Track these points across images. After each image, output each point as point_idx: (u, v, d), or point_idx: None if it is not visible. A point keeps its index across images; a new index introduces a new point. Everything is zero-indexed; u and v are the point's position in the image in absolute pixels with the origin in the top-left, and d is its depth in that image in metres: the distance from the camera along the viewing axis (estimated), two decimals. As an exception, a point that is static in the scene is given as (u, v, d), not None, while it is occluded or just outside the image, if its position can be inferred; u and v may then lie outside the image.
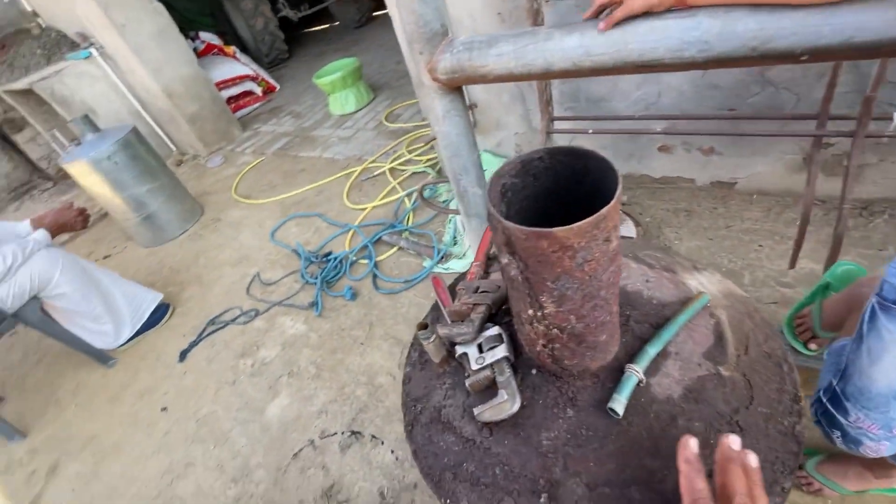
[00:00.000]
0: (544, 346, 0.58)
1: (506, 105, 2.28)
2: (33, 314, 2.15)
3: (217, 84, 4.78)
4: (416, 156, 3.20)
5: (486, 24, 2.01)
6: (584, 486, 0.54)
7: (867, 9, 0.63)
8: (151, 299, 2.56)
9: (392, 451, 1.61)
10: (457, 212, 2.26)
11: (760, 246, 1.78)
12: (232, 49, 5.48)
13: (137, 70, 4.01)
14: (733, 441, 0.44)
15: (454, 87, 1.15)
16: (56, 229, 2.31)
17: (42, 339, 2.77)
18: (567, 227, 0.42)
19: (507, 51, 0.98)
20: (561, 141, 2.14)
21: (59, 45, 4.16)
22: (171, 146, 4.75)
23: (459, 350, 0.69)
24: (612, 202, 0.43)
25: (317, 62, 6.23)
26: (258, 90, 5.38)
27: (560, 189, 0.54)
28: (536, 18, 1.65)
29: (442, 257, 2.28)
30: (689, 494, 0.42)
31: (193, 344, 2.37)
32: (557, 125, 2.02)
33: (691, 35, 0.79)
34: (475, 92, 2.36)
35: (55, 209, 2.37)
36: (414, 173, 3.07)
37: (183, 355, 2.33)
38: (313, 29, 8.20)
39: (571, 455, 0.57)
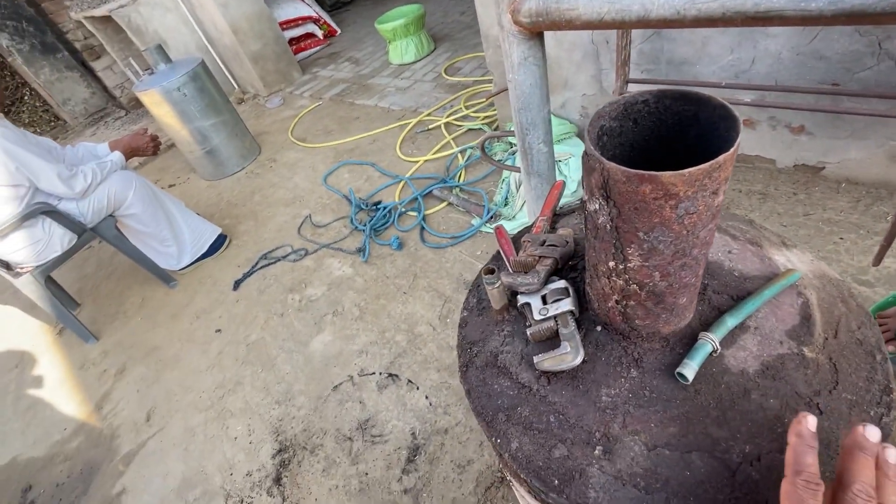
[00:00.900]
0: (617, 302, 0.56)
1: (577, 63, 2.15)
2: (109, 230, 2.32)
3: (280, 24, 4.78)
4: (473, 112, 3.12)
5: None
6: (643, 444, 0.54)
7: None
8: (211, 232, 2.71)
9: (426, 397, 1.67)
10: (517, 169, 2.20)
11: (841, 238, 1.63)
12: (296, -12, 5.43)
13: (207, 3, 4.06)
14: (871, 431, 0.38)
15: (536, 32, 1.09)
16: (130, 153, 2.45)
17: (114, 256, 3.01)
18: (677, 171, 0.39)
19: (602, -7, 0.91)
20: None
21: (136, -27, 4.26)
22: (234, 84, 4.86)
23: (522, 300, 0.69)
24: (732, 150, 0.40)
25: (379, 8, 6.08)
26: (319, 33, 5.34)
27: (661, 137, 0.50)
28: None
29: (491, 216, 2.26)
30: (794, 465, 0.38)
31: (247, 275, 2.51)
32: (632, 89, 1.90)
33: (825, -19, 0.69)
34: (545, 47, 2.23)
35: (130, 134, 2.50)
36: (469, 130, 3.00)
37: (237, 284, 2.47)
38: (377, -28, 7.96)
39: (632, 414, 0.56)
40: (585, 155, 0.47)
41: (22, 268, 2.18)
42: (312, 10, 5.27)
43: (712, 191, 0.42)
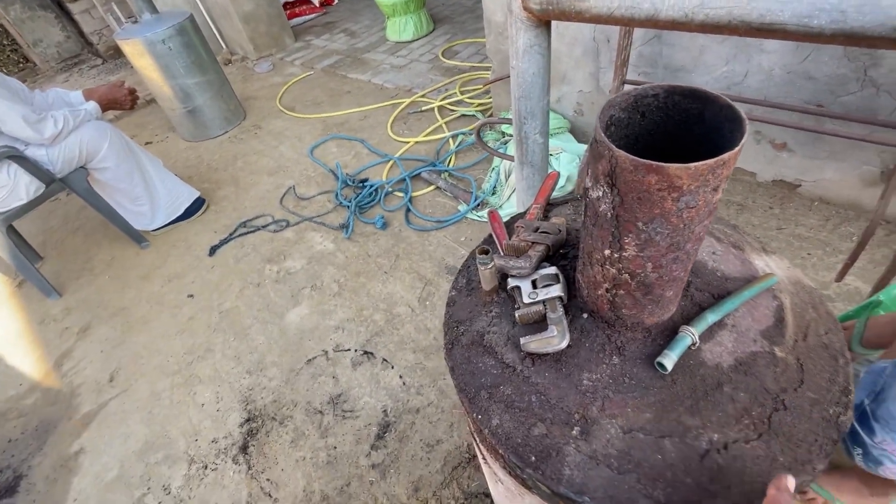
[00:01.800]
0: (607, 290, 0.58)
1: (577, 59, 2.16)
2: (80, 183, 2.22)
3: (275, -15, 4.60)
4: (468, 98, 3.09)
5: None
6: (619, 427, 0.56)
7: None
8: (189, 194, 2.62)
9: (401, 377, 1.68)
10: (510, 157, 2.21)
11: (809, 254, 1.71)
12: (295, -50, 5.22)
13: (199, -45, 3.87)
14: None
15: (544, 20, 1.08)
16: (106, 104, 2.34)
17: (83, 210, 2.89)
18: (684, 164, 0.41)
19: (614, -13, 0.91)
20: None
21: (124, -87, 4.01)
22: (222, 44, 4.67)
23: (512, 283, 0.70)
24: (737, 148, 0.41)
25: (379, -19, 5.92)
26: (316, 0, 5.17)
27: (667, 133, 0.52)
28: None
29: (479, 204, 2.26)
30: None
31: (224, 241, 2.45)
32: (628, 89, 1.92)
33: (827, 2, 0.71)
34: (547, 39, 2.23)
35: (107, 84, 2.38)
36: (463, 115, 2.98)
37: (213, 250, 2.41)
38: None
39: (611, 398, 0.58)
40: (594, 142, 0.47)
41: (-18, 213, 2.07)
42: (310, -24, 5.09)
43: (713, 187, 0.44)
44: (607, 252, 0.53)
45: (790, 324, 0.62)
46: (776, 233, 1.81)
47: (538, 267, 0.70)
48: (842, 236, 1.75)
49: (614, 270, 0.54)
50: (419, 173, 2.54)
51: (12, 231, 2.30)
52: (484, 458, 0.77)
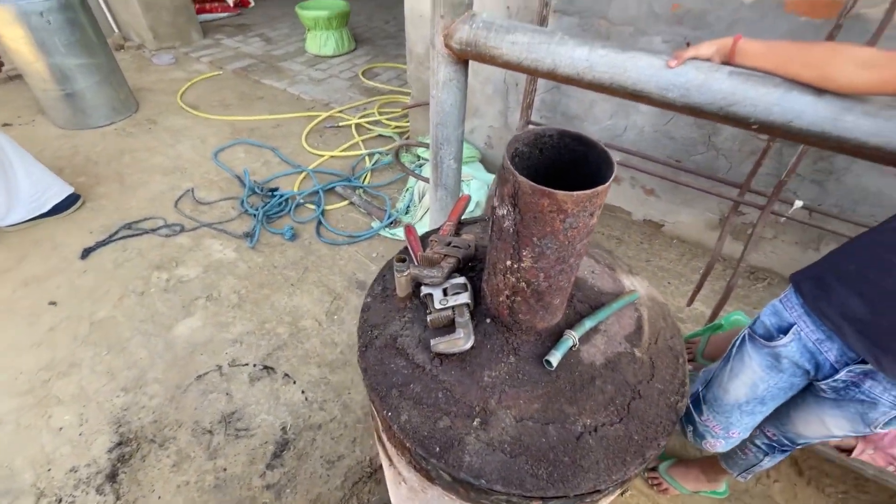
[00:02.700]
0: (508, 297, 0.67)
1: (488, 97, 2.36)
2: None
3: (185, -24, 4.31)
4: (386, 119, 3.17)
5: (492, 11, 2.06)
6: (513, 417, 0.64)
7: (814, 100, 0.80)
8: (59, 190, 2.29)
9: (303, 392, 1.63)
10: (426, 179, 2.30)
11: (669, 283, 2.04)
12: (210, -56, 4.96)
13: (95, -72, 3.50)
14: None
15: (462, 59, 1.20)
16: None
17: None
18: (568, 192, 0.51)
19: (523, 42, 1.06)
20: (530, 145, 2.27)
21: None
22: (114, 27, 4.21)
23: (425, 290, 0.76)
24: (607, 184, 0.52)
25: (301, -8, 5.84)
26: (230, 0, 4.93)
27: (559, 167, 0.63)
28: (541, 23, 1.74)
29: (392, 222, 2.32)
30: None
31: (101, 244, 2.17)
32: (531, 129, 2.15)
33: (678, 80, 0.92)
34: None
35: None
36: (381, 135, 3.04)
37: (86, 253, 2.13)
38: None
39: (507, 392, 0.66)
40: (502, 168, 0.57)
41: None
42: (225, -27, 4.85)
43: (590, 212, 0.55)
44: (509, 262, 0.62)
45: (646, 330, 0.77)
46: (645, 264, 2.14)
47: (449, 276, 0.78)
48: (693, 269, 2.12)
49: (514, 279, 0.64)
50: (334, 187, 2.52)
51: None
52: (389, 460, 0.80)
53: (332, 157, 2.83)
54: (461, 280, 0.76)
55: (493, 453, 0.61)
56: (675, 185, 2.06)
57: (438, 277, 0.76)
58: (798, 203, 1.75)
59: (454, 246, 0.83)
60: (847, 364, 0.81)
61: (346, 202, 2.48)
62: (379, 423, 0.75)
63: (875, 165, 1.64)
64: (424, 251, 0.82)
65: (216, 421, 1.54)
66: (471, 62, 1.24)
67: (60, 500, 1.34)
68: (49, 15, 2.54)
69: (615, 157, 2.07)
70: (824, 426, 0.94)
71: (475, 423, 0.64)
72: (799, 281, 0.87)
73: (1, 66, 2.15)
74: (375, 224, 2.32)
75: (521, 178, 0.52)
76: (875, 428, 0.85)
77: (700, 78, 0.89)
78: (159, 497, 1.36)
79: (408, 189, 2.47)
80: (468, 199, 1.01)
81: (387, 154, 2.82)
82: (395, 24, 5.06)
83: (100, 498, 1.35)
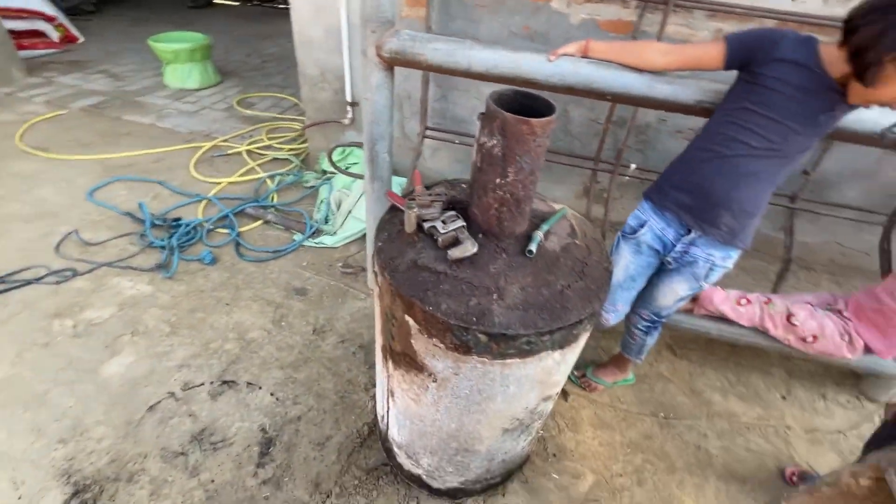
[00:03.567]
0: (496, 209, 0.94)
1: (384, 110, 2.63)
2: None
3: (-4, 9, 3.76)
4: (277, 143, 3.23)
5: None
6: (518, 288, 0.91)
7: (638, 76, 1.25)
8: None
9: (272, 394, 1.66)
10: (360, 176, 2.46)
11: (558, 244, 2.54)
12: (19, -24, 4.37)
13: None
14: None
15: (392, 65, 1.47)
16: None
17: None
18: (537, 118, 0.81)
19: (442, 49, 1.37)
20: (431, 145, 2.61)
21: None
22: None
23: (428, 224, 0.99)
24: (555, 114, 0.84)
25: (136, 28, 5.48)
26: (54, 35, 4.39)
27: (521, 111, 0.93)
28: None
29: (314, 232, 2.42)
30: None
31: (-31, 304, 1.85)
32: (430, 135, 2.50)
33: (557, 70, 1.31)
34: (358, 91, 2.65)
35: None
36: (275, 158, 3.09)
37: (-50, 317, 1.80)
38: (130, -9, 7.07)
39: (509, 275, 0.93)
40: (488, 112, 0.85)
41: None
42: (45, 7, 4.32)
43: (547, 135, 0.87)
44: (498, 180, 0.90)
45: (578, 230, 1.12)
46: (537, 233, 2.61)
47: (443, 213, 1.03)
48: (571, 232, 2.65)
49: (501, 192, 0.92)
50: (244, 209, 2.52)
51: None
52: (418, 367, 1.00)
53: (230, 183, 2.80)
54: (453, 213, 1.02)
55: (512, 312, 0.88)
56: (547, 165, 2.58)
57: (436, 213, 1.00)
58: (633, 166, 2.39)
59: (436, 194, 1.08)
60: (679, 238, 1.27)
61: (260, 221, 2.49)
62: (419, 317, 0.94)
63: (672, 134, 2.35)
64: (416, 201, 1.06)
65: (186, 442, 1.49)
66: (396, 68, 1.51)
67: (18, 568, 1.19)
68: None
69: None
70: (674, 292, 1.40)
71: (494, 296, 0.89)
72: (648, 193, 1.33)
73: None
74: (298, 237, 2.40)
75: (508, 114, 0.81)
76: (702, 282, 1.33)
77: (571, 67, 1.29)
78: (144, 527, 1.29)
79: (322, 201, 2.59)
80: (419, 173, 1.27)
81: (287, 174, 2.90)
82: (256, 57, 5.06)
83: (71, 549, 1.23)
